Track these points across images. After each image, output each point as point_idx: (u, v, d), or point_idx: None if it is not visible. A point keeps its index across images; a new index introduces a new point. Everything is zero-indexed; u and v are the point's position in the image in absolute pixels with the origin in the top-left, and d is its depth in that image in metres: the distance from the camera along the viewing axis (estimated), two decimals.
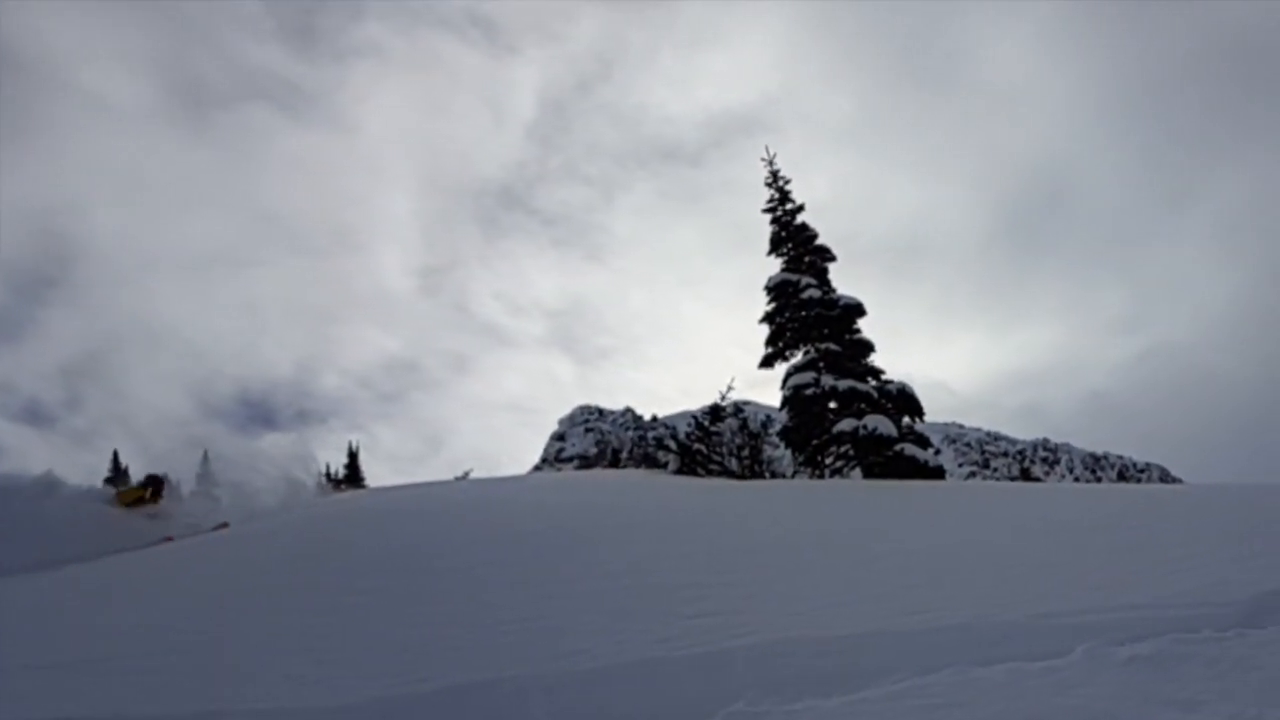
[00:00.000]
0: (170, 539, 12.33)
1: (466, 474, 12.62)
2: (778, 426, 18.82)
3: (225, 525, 12.69)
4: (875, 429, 16.63)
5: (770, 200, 19.29)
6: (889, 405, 17.60)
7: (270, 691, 4.42)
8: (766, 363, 18.66)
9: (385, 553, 8.13)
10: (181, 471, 15.20)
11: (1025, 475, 72.78)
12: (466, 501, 11.44)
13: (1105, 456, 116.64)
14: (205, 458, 16.42)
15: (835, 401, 17.51)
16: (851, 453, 17.27)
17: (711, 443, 17.47)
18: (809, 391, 17.46)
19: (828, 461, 17.62)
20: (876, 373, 18.09)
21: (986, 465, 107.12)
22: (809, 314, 18.10)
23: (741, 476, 17.20)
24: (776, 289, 18.55)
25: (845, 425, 16.91)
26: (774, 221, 19.26)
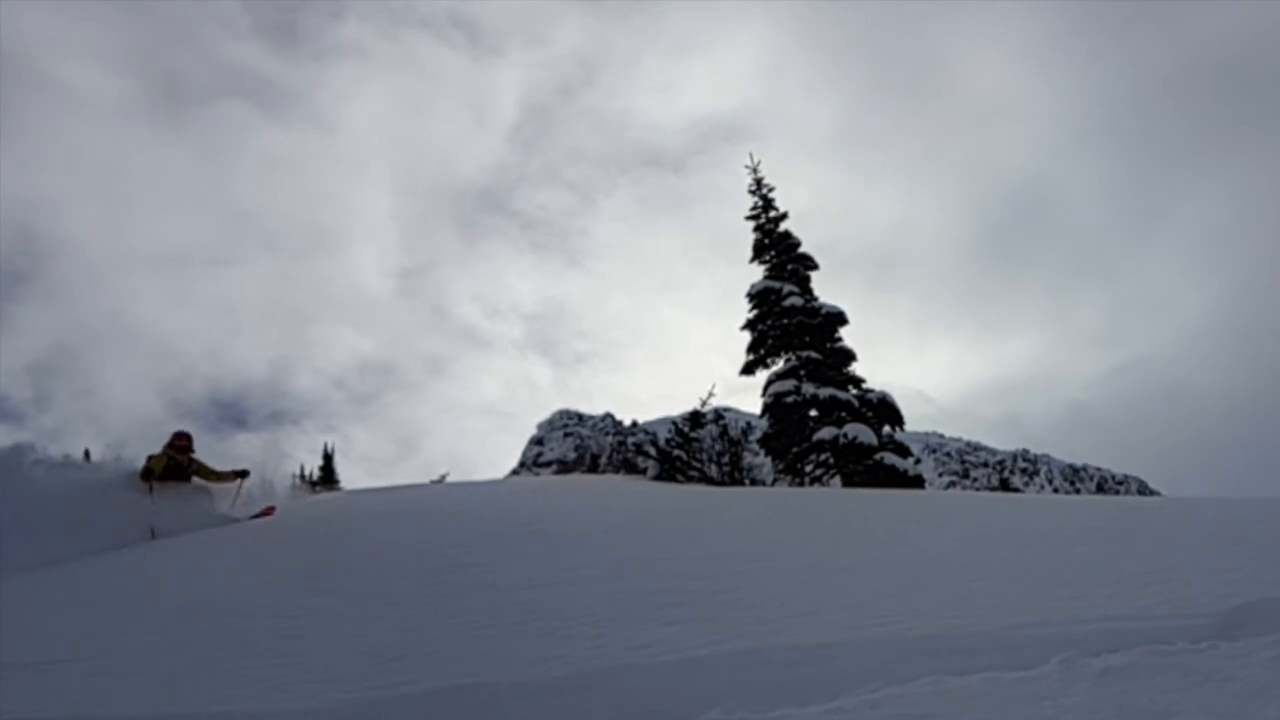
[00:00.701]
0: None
1: (443, 477, 12.48)
2: (758, 434, 18.82)
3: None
4: (855, 437, 16.67)
5: (754, 208, 19.32)
6: (869, 414, 17.66)
7: (237, 694, 4.35)
8: (748, 370, 18.69)
9: (360, 555, 8.06)
10: None
11: (1004, 486, 73.13)
12: (443, 505, 11.37)
13: (1084, 468, 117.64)
14: None
15: (816, 409, 17.54)
16: (832, 461, 17.30)
17: (691, 449, 17.43)
18: (790, 399, 17.48)
19: (808, 469, 17.64)
20: (857, 381, 18.15)
21: (966, 475, 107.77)
22: (791, 322, 18.13)
23: (721, 483, 17.18)
24: (759, 296, 18.58)
25: (826, 433, 16.94)
26: (757, 229, 19.29)
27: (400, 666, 4.64)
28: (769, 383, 18.08)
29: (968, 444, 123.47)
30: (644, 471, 18.28)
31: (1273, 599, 4.64)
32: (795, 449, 17.57)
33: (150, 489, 11.81)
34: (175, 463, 12.41)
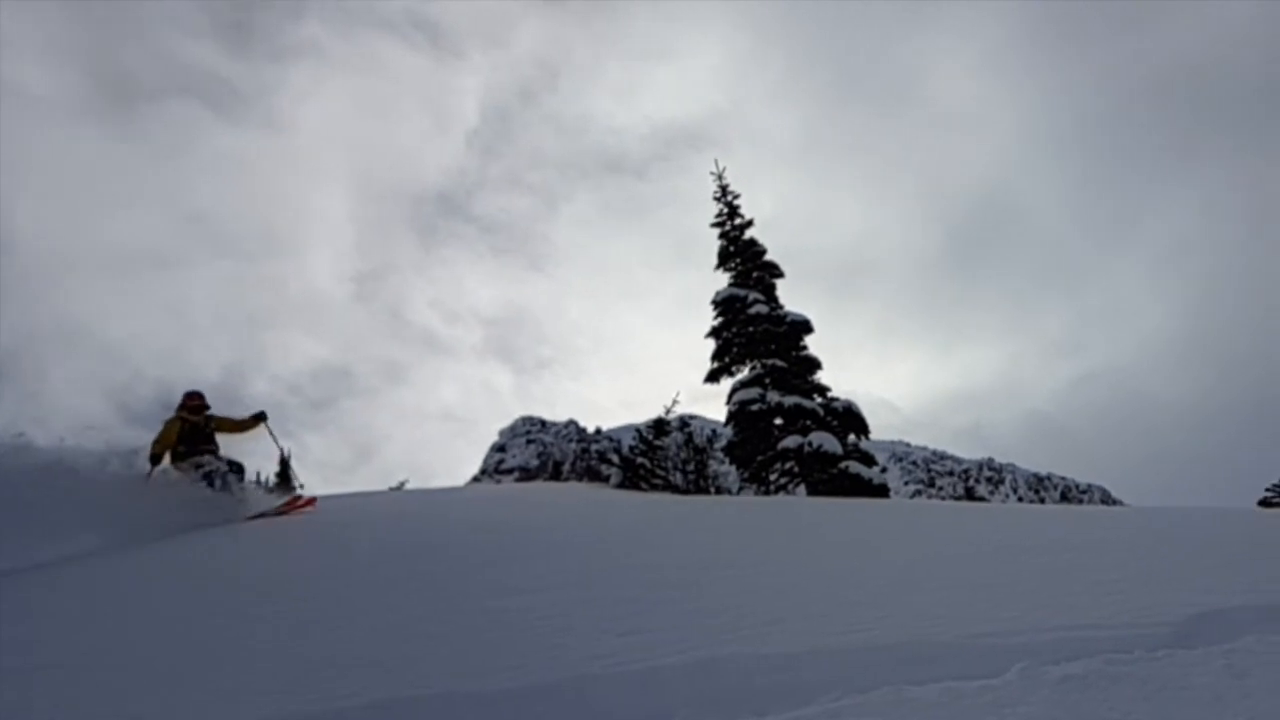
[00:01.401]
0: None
1: (401, 484, 12.33)
2: (724, 442, 18.85)
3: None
4: (820, 446, 16.76)
5: (719, 215, 19.39)
6: (834, 423, 17.76)
7: (182, 704, 4.24)
8: (712, 377, 18.74)
9: (312, 564, 7.95)
10: None
11: (970, 495, 73.86)
12: (401, 511, 11.25)
13: (1049, 477, 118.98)
14: None
15: (781, 418, 17.62)
16: (797, 469, 17.37)
17: (656, 457, 17.44)
18: (755, 407, 17.54)
19: (773, 478, 17.69)
20: (822, 390, 18.24)
21: (932, 484, 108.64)
22: (756, 330, 18.21)
23: (686, 492, 17.17)
24: (724, 304, 18.63)
25: (790, 442, 17.01)
26: (722, 236, 19.36)
27: (352, 677, 4.54)
28: (734, 390, 18.14)
29: (933, 453, 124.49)
30: (607, 479, 18.26)
31: (1228, 609, 4.69)
32: (760, 457, 17.63)
33: (150, 473, 10.79)
34: (191, 426, 11.37)
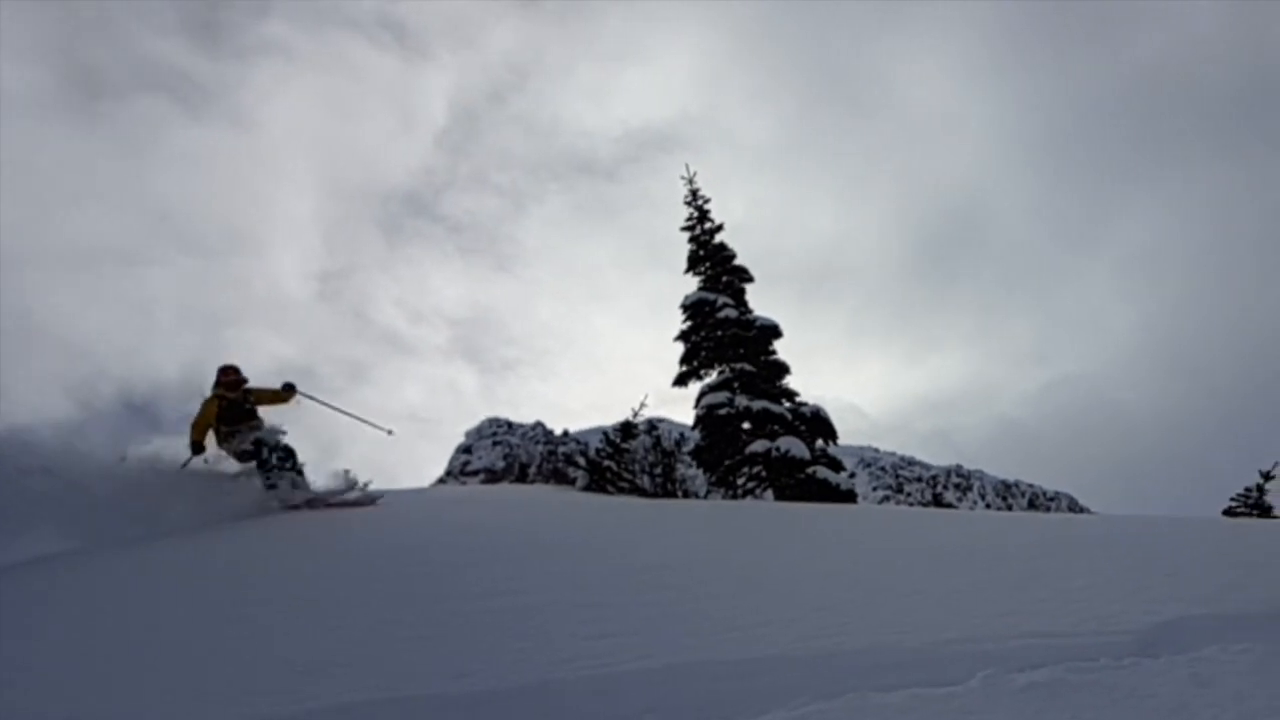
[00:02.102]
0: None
1: (365, 486, 12.17)
2: (691, 445, 18.84)
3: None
4: (788, 451, 16.78)
5: (689, 218, 19.38)
6: (802, 427, 17.79)
7: (145, 705, 4.14)
8: (680, 381, 18.70)
9: (273, 565, 7.83)
10: None
11: (938, 501, 74.42)
12: (363, 514, 11.09)
13: (1016, 484, 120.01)
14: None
15: (749, 422, 17.62)
16: (764, 474, 17.37)
17: (623, 460, 17.38)
18: (722, 411, 17.53)
19: (740, 482, 17.69)
20: (791, 394, 18.28)
21: (901, 490, 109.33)
22: (725, 334, 18.20)
23: (654, 495, 17.14)
24: (693, 307, 18.62)
25: (758, 446, 17.01)
26: (692, 240, 19.35)
27: (315, 680, 4.45)
28: (702, 394, 18.12)
29: (902, 459, 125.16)
30: (574, 482, 18.19)
31: (1191, 617, 4.71)
32: (728, 461, 17.62)
33: (187, 462, 10.22)
34: (230, 403, 10.84)
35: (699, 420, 17.93)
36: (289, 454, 11.37)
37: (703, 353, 18.48)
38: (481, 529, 9.80)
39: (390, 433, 12.03)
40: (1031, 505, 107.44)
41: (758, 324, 18.34)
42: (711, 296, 18.48)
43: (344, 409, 11.91)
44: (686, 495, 18.11)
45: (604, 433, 18.14)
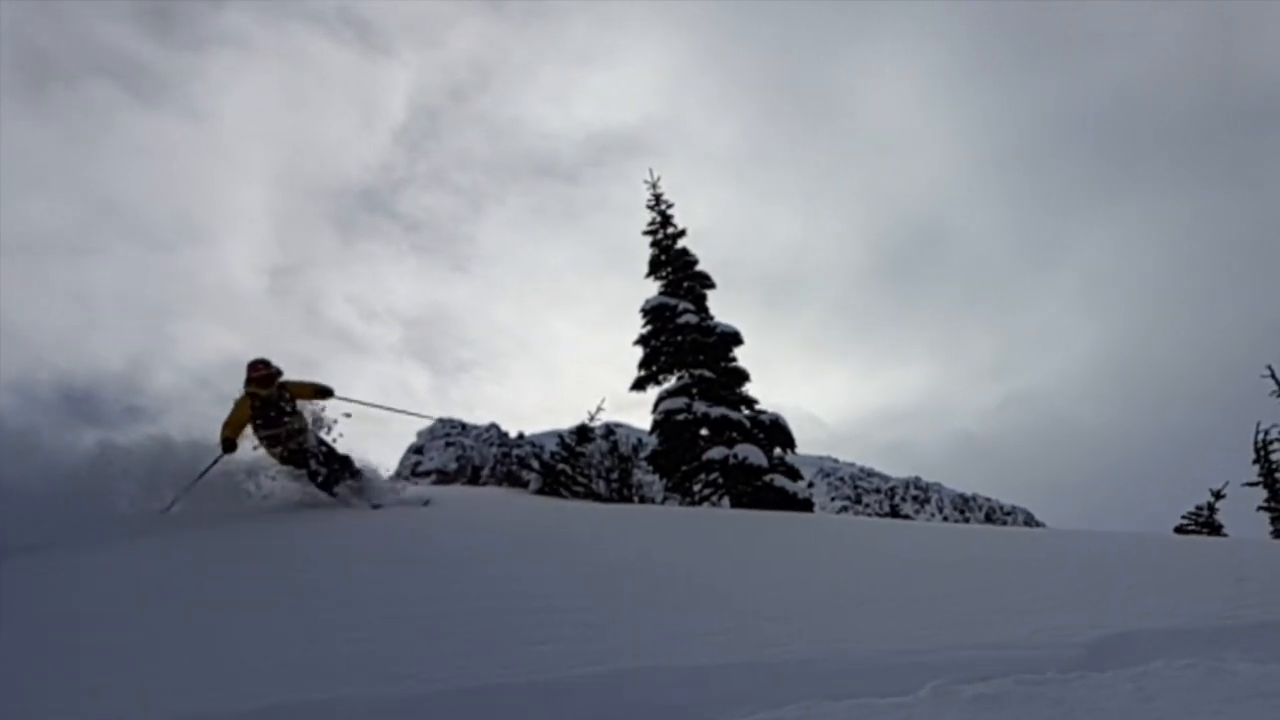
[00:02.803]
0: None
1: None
2: (648, 450, 18.77)
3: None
4: (746, 458, 16.75)
5: (651, 223, 19.30)
6: (761, 435, 17.78)
7: (70, 705, 4.01)
8: (639, 385, 18.59)
9: (210, 563, 7.67)
10: None
11: (895, 513, 74.95)
12: (302, 516, 10.84)
13: (974, 497, 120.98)
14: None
15: (707, 428, 17.58)
16: (721, 481, 17.34)
17: (579, 464, 17.25)
18: (680, 417, 17.48)
19: (697, 489, 17.65)
20: (750, 402, 18.26)
21: (859, 500, 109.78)
22: (685, 339, 18.15)
23: (609, 500, 17.06)
24: (653, 312, 18.54)
25: (716, 453, 16.97)
26: (654, 244, 19.26)
27: (248, 680, 4.34)
28: (660, 399, 18.05)
29: (861, 469, 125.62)
30: (527, 484, 18.03)
31: (1138, 631, 4.74)
32: (685, 467, 17.56)
33: (227, 451, 9.71)
34: (263, 402, 9.99)
35: (656, 425, 17.86)
36: (336, 458, 11.05)
37: (662, 357, 18.40)
38: (426, 530, 9.66)
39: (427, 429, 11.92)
40: (988, 519, 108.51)
41: (718, 330, 18.31)
42: (672, 301, 18.43)
43: (384, 405, 11.60)
44: (643, 500, 18.06)
45: (560, 436, 17.98)
